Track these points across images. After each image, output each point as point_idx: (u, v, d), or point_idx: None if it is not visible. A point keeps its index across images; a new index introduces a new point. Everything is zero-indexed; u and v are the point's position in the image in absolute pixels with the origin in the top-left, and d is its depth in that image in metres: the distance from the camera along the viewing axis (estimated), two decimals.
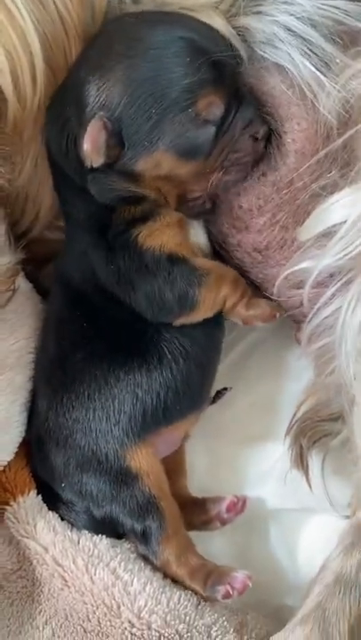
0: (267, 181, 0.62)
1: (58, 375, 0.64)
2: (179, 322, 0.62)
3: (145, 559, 0.62)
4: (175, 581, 0.61)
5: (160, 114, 0.57)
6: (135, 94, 0.57)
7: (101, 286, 0.62)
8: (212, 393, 0.68)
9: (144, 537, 0.61)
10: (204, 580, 0.60)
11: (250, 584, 0.60)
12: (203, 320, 0.63)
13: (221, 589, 0.59)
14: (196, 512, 0.65)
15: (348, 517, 0.60)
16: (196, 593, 0.61)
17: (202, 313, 0.62)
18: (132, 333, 0.62)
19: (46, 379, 0.65)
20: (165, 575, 0.61)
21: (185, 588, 0.61)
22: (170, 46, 0.57)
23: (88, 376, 0.62)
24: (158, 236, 0.61)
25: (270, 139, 0.62)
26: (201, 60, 0.57)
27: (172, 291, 0.61)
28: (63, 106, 0.60)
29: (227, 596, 0.59)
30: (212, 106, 0.58)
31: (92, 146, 0.57)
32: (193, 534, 0.64)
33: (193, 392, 0.64)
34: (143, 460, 0.62)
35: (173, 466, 0.66)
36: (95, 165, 0.58)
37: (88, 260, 0.63)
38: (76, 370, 0.62)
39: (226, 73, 0.59)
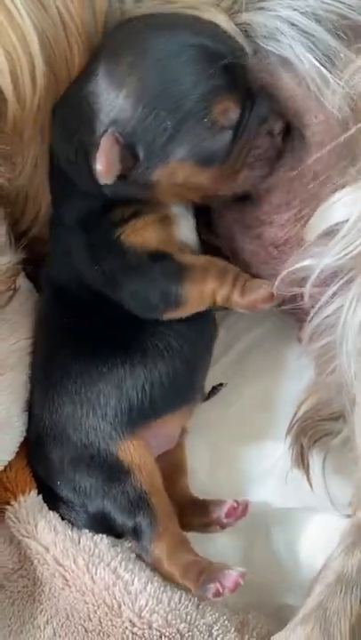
0: (294, 176, 0.62)
1: (47, 373, 0.64)
2: (167, 317, 0.62)
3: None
4: (169, 580, 0.61)
5: (175, 126, 0.57)
6: (148, 107, 0.57)
7: (86, 285, 0.63)
8: (208, 388, 0.68)
9: (135, 534, 0.61)
10: (196, 578, 0.59)
11: (242, 582, 0.59)
12: (189, 315, 0.63)
13: (212, 587, 0.58)
14: (197, 514, 0.65)
15: (349, 516, 0.60)
16: (190, 591, 0.60)
17: (190, 308, 0.62)
18: (115, 330, 0.63)
19: (38, 378, 0.65)
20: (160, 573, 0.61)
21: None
22: (179, 55, 0.57)
23: (74, 372, 0.62)
24: (140, 234, 0.61)
25: (292, 133, 0.61)
26: (212, 66, 0.57)
27: (155, 288, 0.61)
28: (71, 115, 0.60)
29: (217, 594, 0.58)
30: (228, 112, 0.58)
31: (106, 164, 0.57)
32: (193, 534, 0.64)
33: (181, 386, 0.64)
34: (135, 453, 0.62)
35: (174, 466, 0.66)
36: (109, 182, 0.58)
37: (71, 260, 0.63)
38: (62, 366, 0.63)
39: (238, 74, 0.58)
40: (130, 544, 0.63)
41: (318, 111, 0.60)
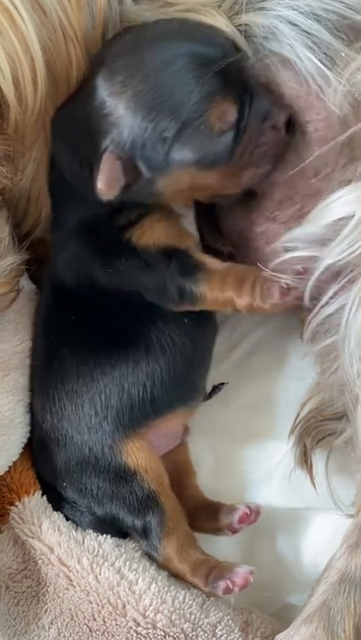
0: (296, 171, 0.61)
1: (47, 374, 0.64)
2: (183, 309, 0.62)
3: (150, 558, 0.63)
4: (179, 578, 0.62)
5: (174, 136, 0.57)
6: (145, 120, 0.57)
7: (93, 285, 0.63)
8: (209, 388, 0.68)
9: (145, 533, 0.62)
10: (205, 576, 0.60)
11: (251, 579, 0.59)
12: (193, 313, 0.63)
13: (222, 584, 0.59)
14: (208, 518, 0.65)
15: (352, 516, 0.60)
16: (198, 589, 0.61)
17: (207, 306, 0.62)
18: (119, 327, 0.63)
19: (38, 378, 0.66)
20: (168, 572, 0.62)
21: (188, 584, 0.61)
22: (171, 66, 0.57)
23: (75, 372, 0.63)
24: (150, 234, 0.62)
25: (294, 129, 0.61)
26: (204, 72, 0.57)
27: (172, 283, 0.61)
28: (74, 127, 0.61)
29: (227, 591, 0.59)
30: (225, 114, 0.58)
31: (106, 183, 0.58)
32: (197, 534, 0.64)
33: (181, 384, 0.64)
34: (139, 455, 0.62)
35: (180, 468, 0.67)
36: (110, 199, 0.59)
37: (79, 263, 0.63)
38: (63, 366, 0.63)
39: (232, 75, 0.58)
40: (134, 544, 0.63)
41: (320, 108, 0.60)
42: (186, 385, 0.65)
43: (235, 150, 0.59)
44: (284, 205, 0.63)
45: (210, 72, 0.57)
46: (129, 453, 0.62)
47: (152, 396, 0.62)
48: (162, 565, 0.62)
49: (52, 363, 0.64)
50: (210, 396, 0.68)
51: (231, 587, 0.59)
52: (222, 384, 0.69)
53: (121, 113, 0.58)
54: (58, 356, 0.64)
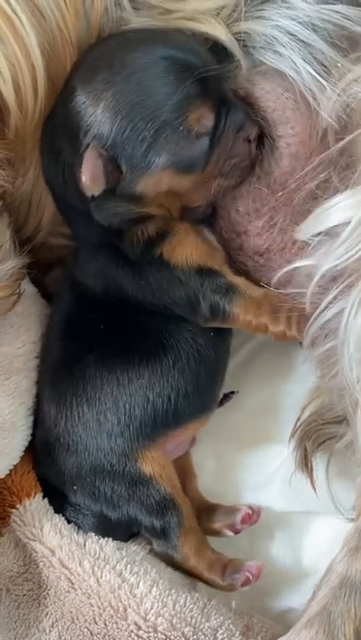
0: (261, 184, 0.63)
1: (65, 379, 0.64)
2: (210, 325, 0.63)
3: (151, 561, 0.63)
4: (183, 582, 0.62)
5: (153, 135, 0.58)
6: (125, 120, 0.58)
7: (122, 295, 0.63)
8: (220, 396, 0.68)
9: (164, 533, 0.62)
10: (221, 572, 0.62)
11: (264, 569, 0.61)
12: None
13: (240, 576, 0.61)
14: (210, 519, 0.65)
15: (352, 520, 0.60)
16: (214, 586, 0.62)
17: (237, 326, 0.63)
18: (148, 339, 0.63)
19: (51, 383, 0.65)
20: (172, 574, 0.62)
21: (189, 588, 0.62)
22: (152, 68, 0.58)
23: (100, 379, 0.63)
24: (181, 250, 0.62)
25: (264, 142, 0.62)
26: (184, 76, 0.57)
27: (205, 300, 0.62)
28: (55, 137, 0.61)
29: (246, 582, 0.61)
30: (203, 119, 0.59)
31: (91, 177, 0.58)
32: None
33: (202, 395, 0.64)
34: (155, 462, 0.63)
35: (183, 471, 0.67)
36: (96, 195, 0.59)
37: (108, 274, 0.63)
38: (86, 373, 0.63)
39: (210, 83, 0.59)
40: (135, 547, 0.64)
41: (296, 123, 0.61)
42: (207, 395, 0.65)
43: (210, 157, 0.60)
44: (252, 217, 0.64)
45: (191, 77, 0.58)
46: (145, 461, 0.62)
47: (175, 408, 0.63)
48: (177, 564, 0.63)
49: (73, 369, 0.64)
50: (221, 403, 0.69)
51: (250, 577, 0.61)
52: (233, 392, 0.69)
53: (102, 111, 0.58)
54: (81, 363, 0.63)
